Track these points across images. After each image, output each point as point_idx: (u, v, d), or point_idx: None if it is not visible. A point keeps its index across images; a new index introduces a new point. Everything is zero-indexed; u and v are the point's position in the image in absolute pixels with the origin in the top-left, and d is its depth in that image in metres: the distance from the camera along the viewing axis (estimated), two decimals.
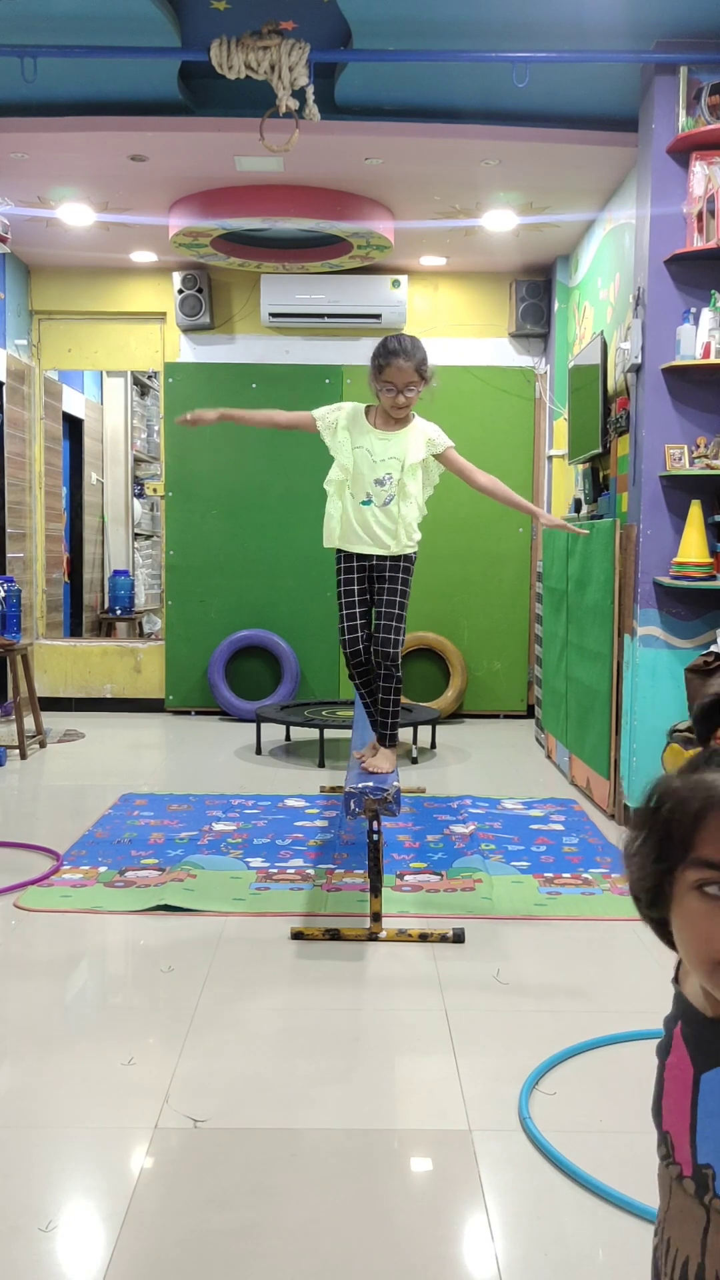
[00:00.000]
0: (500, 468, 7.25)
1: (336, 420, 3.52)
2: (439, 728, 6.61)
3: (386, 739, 3.55)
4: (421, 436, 3.47)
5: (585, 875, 3.87)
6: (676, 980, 0.98)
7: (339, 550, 3.52)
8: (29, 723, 6.17)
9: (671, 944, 0.92)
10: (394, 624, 3.45)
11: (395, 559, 3.48)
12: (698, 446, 4.32)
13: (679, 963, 0.96)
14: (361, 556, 3.50)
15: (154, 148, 5.08)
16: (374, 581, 3.52)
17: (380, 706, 3.53)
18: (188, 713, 7.34)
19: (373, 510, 3.44)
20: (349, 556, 3.51)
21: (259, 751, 6.06)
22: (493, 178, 5.41)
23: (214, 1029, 2.66)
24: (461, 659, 7.19)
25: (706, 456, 4.28)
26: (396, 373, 3.36)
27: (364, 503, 3.44)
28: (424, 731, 6.32)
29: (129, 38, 4.25)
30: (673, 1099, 0.94)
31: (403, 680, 3.48)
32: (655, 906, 0.90)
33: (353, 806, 3.13)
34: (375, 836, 3.26)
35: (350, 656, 3.54)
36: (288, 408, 3.86)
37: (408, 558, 3.50)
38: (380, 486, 3.43)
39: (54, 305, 7.25)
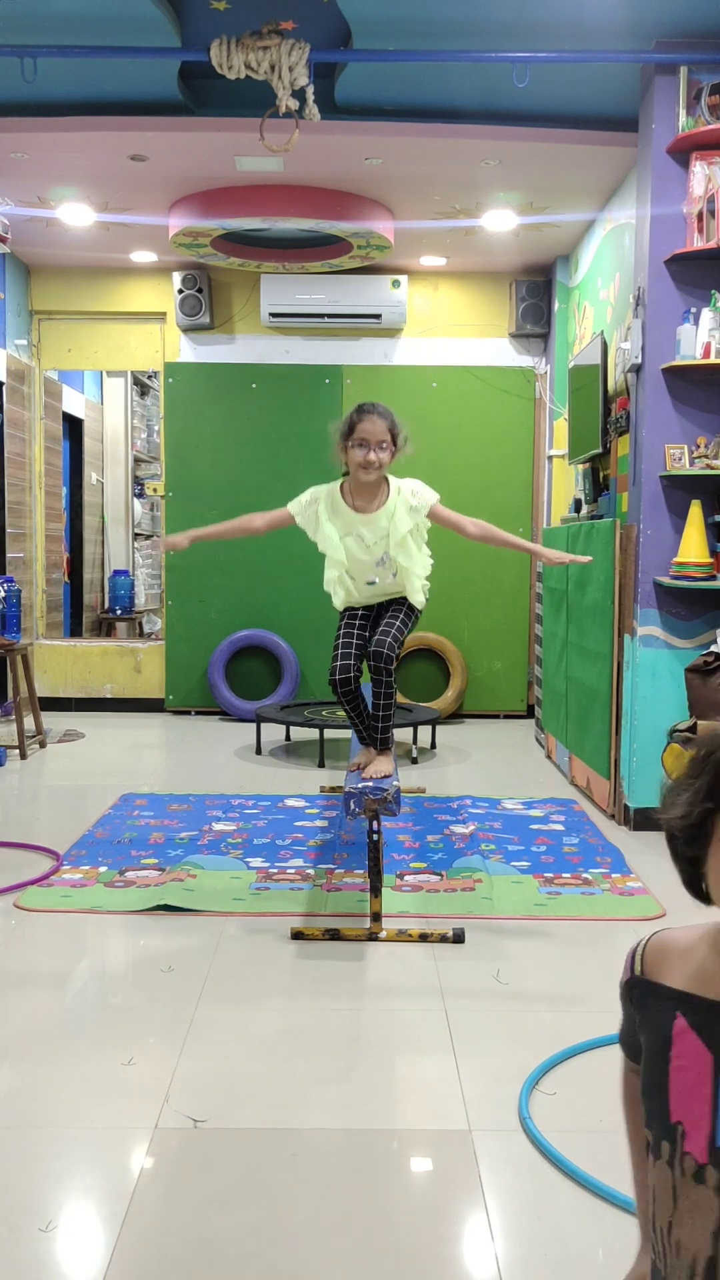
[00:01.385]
0: (500, 468, 7.28)
1: (317, 513, 3.43)
2: (439, 728, 6.61)
3: (379, 742, 3.52)
4: (403, 506, 3.40)
5: (585, 875, 3.87)
6: (637, 984, 1.04)
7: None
8: (29, 723, 6.17)
9: (696, 889, 1.00)
10: (394, 638, 3.43)
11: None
12: (698, 446, 4.32)
13: (637, 968, 1.04)
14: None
15: (154, 148, 5.09)
16: (380, 614, 3.55)
17: (374, 712, 3.49)
18: (188, 713, 7.34)
19: (380, 586, 3.51)
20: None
21: (259, 751, 6.06)
22: (493, 178, 5.41)
23: (214, 1029, 2.66)
24: (461, 659, 7.19)
25: (706, 456, 4.29)
26: (369, 427, 3.32)
27: (369, 583, 3.50)
28: (424, 731, 6.32)
29: (129, 38, 4.25)
30: (685, 1090, 0.97)
31: (395, 684, 3.48)
32: (693, 844, 0.98)
33: (353, 806, 3.14)
34: (375, 836, 3.26)
35: (340, 684, 3.45)
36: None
37: (418, 603, 3.53)
38: (381, 566, 3.45)
39: (54, 305, 7.26)
